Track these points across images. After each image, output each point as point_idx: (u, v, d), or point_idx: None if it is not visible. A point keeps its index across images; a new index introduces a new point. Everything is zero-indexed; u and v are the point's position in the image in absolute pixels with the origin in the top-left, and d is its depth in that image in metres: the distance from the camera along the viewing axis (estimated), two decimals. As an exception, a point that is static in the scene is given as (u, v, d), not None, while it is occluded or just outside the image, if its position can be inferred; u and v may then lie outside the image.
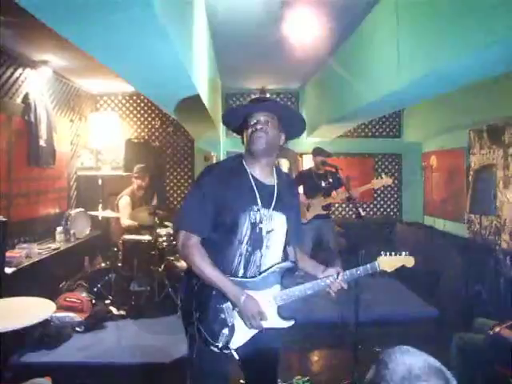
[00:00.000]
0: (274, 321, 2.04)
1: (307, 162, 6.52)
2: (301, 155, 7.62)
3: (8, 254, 3.87)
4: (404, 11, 3.42)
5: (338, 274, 2.12)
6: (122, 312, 4.70)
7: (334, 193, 5.54)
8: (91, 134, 6.45)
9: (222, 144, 7.71)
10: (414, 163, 7.72)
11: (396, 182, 7.80)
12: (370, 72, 4.28)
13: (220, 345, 1.94)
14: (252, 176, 2.06)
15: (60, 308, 4.23)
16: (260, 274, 2.04)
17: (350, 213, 7.75)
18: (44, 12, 2.03)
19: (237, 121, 2.15)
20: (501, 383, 2.77)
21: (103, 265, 5.46)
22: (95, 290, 4.94)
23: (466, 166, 5.96)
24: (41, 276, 4.28)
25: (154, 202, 5.80)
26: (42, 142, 5.00)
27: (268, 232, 2.04)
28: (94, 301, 4.71)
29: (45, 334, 3.85)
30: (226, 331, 1.95)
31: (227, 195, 1.97)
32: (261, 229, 2.02)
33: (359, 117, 5.54)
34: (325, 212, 5.65)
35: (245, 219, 1.99)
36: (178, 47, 2.68)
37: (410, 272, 6.13)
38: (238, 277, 2.00)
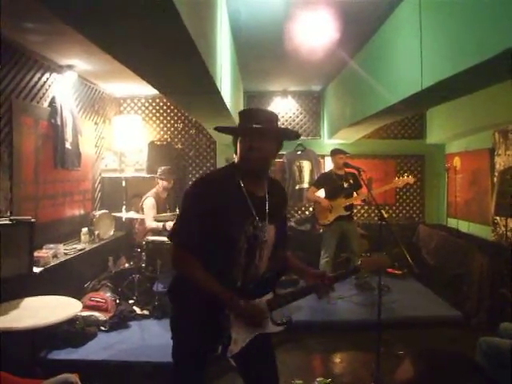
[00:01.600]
0: (268, 327, 2.07)
1: (329, 164, 6.51)
2: (322, 157, 7.60)
3: (36, 254, 3.95)
4: (427, 13, 3.40)
5: (325, 277, 2.16)
6: (146, 312, 4.76)
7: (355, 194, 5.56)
8: (115, 137, 6.55)
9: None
10: (437, 165, 7.63)
11: (419, 183, 7.73)
12: (392, 74, 4.25)
13: (218, 353, 1.94)
14: (246, 189, 2.04)
15: (85, 307, 4.31)
16: (255, 282, 2.08)
17: (373, 215, 7.69)
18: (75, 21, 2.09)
19: (231, 132, 2.16)
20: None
21: (127, 265, 5.54)
22: (119, 289, 5.03)
23: (491, 167, 5.87)
24: (67, 276, 4.38)
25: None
26: (67, 145, 5.10)
27: (262, 243, 2.08)
28: (118, 300, 4.79)
29: (71, 333, 3.94)
30: (222, 340, 1.95)
31: (222, 209, 1.96)
32: (256, 241, 2.05)
33: (381, 119, 5.49)
34: (347, 213, 5.65)
35: (242, 233, 2.00)
36: (204, 54, 2.72)
37: (434, 274, 6.10)
38: (236, 287, 2.02)
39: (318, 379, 3.65)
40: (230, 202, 1.99)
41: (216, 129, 2.16)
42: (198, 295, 1.99)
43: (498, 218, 5.53)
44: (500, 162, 5.65)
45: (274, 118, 2.10)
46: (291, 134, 2.20)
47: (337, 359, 4.27)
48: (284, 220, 2.35)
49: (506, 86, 3.57)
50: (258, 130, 1.98)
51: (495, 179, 5.56)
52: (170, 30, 2.18)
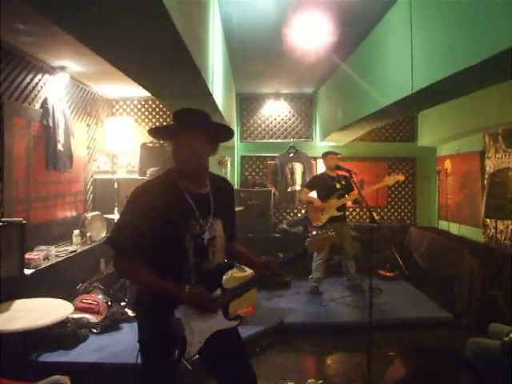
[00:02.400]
0: (222, 323, 2.08)
1: (321, 166, 6.55)
2: (314, 159, 7.63)
3: (27, 255, 3.93)
4: (418, 16, 3.43)
5: (269, 263, 2.18)
6: (137, 314, 4.74)
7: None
8: (107, 138, 6.53)
9: (237, 148, 7.76)
10: (428, 167, 7.70)
11: (410, 185, 7.79)
12: (383, 77, 4.29)
13: (175, 357, 1.93)
14: (185, 189, 2.07)
15: (77, 309, 4.29)
16: (209, 278, 2.08)
17: (364, 217, 7.73)
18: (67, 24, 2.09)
19: (164, 136, 2.26)
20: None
21: (119, 267, 5.51)
22: (111, 292, 5.01)
23: (482, 169, 5.93)
24: (58, 278, 4.35)
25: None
26: (59, 147, 5.08)
27: (210, 239, 2.09)
28: (109, 303, 4.76)
29: (62, 335, 3.92)
30: (177, 344, 1.94)
31: (162, 211, 1.97)
32: (203, 238, 2.06)
33: (373, 122, 5.54)
34: (339, 214, 5.69)
35: (186, 232, 2.01)
36: (196, 56, 2.73)
37: (425, 276, 6.14)
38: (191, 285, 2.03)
39: (309, 381, 3.66)
40: (169, 204, 2.00)
41: (149, 132, 2.22)
42: (146, 304, 2.03)
43: (488, 220, 5.59)
44: (490, 165, 5.71)
45: (201, 115, 2.12)
46: (222, 131, 2.24)
47: (328, 361, 4.29)
48: (232, 213, 2.36)
49: (496, 88, 3.62)
50: (179, 128, 2.03)
51: (485, 182, 5.61)
52: (161, 33, 2.19)
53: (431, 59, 3.22)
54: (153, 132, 2.20)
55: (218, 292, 2.08)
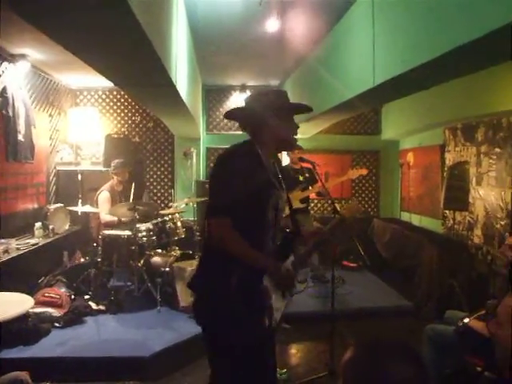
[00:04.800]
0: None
1: (286, 158, 6.60)
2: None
3: (-15, 249, 3.85)
4: (380, 10, 3.49)
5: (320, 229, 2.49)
6: (102, 307, 4.69)
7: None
8: (71, 129, 6.41)
9: (202, 140, 7.74)
10: (391, 160, 7.86)
11: (374, 178, 7.94)
12: (347, 70, 4.35)
13: (266, 325, 2.01)
14: (266, 164, 2.17)
15: (38, 303, 4.22)
16: (284, 248, 2.23)
17: (329, 209, 7.84)
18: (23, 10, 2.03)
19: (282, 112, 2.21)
20: (469, 372, 2.87)
21: (82, 260, 5.45)
22: (74, 285, 4.94)
23: (442, 162, 6.10)
24: (19, 271, 4.27)
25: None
26: (20, 137, 4.96)
27: (280, 211, 2.22)
28: (73, 296, 4.71)
29: (22, 330, 3.83)
30: (268, 311, 2.03)
31: (255, 185, 2.03)
32: (278, 210, 2.18)
33: (337, 114, 5.61)
34: (302, 206, 5.75)
35: (268, 205, 2.11)
36: (157, 45, 2.71)
37: (387, 266, 6.27)
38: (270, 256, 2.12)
39: (273, 370, 3.71)
40: (258, 177, 2.07)
41: (284, 106, 2.23)
42: (229, 276, 1.98)
43: (447, 211, 5.76)
44: (450, 158, 5.88)
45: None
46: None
47: (292, 350, 4.36)
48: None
49: (455, 83, 3.72)
50: (299, 107, 2.29)
51: (445, 174, 5.77)
52: (120, 20, 2.15)
53: (392, 53, 3.29)
54: (285, 103, 2.25)
55: (290, 261, 2.18)
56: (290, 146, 2.33)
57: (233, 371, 2.01)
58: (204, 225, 2.10)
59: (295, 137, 2.24)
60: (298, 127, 2.24)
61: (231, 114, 2.30)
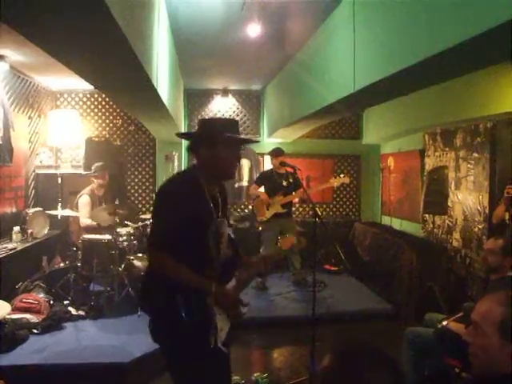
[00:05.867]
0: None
1: (268, 162, 6.62)
2: (262, 155, 7.69)
3: (-39, 254, 3.77)
4: (361, 16, 3.52)
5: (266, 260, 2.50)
6: (82, 312, 4.62)
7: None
8: (51, 132, 6.33)
9: (184, 143, 7.70)
10: (372, 164, 7.94)
11: (355, 182, 8.00)
12: (328, 75, 4.38)
13: (212, 344, 2.06)
14: (207, 191, 2.20)
15: (16, 310, 4.15)
16: (226, 271, 2.25)
17: (311, 213, 7.87)
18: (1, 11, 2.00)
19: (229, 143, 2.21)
20: (447, 373, 2.91)
21: (62, 265, 5.37)
22: (53, 290, 4.87)
23: (421, 167, 6.18)
24: (-4, 277, 4.19)
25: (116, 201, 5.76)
26: (-3, 140, 4.88)
27: (221, 236, 2.27)
28: (52, 301, 4.62)
29: (-2, 337, 3.76)
30: (213, 331, 2.06)
31: (195, 213, 2.10)
32: (218, 236, 2.23)
33: (318, 119, 5.64)
34: (284, 210, 5.77)
35: (209, 230, 2.16)
36: (137, 49, 2.69)
37: (368, 270, 6.31)
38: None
39: (255, 374, 3.70)
40: (199, 205, 2.14)
41: (229, 138, 2.20)
42: (177, 296, 2.05)
43: (426, 215, 5.84)
44: (429, 163, 5.97)
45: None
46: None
47: (274, 354, 4.36)
48: (228, 212, 2.58)
49: (435, 89, 3.78)
50: (246, 141, 2.37)
51: (424, 179, 5.85)
52: (99, 24, 2.13)
53: (372, 59, 3.33)
54: (231, 137, 2.21)
55: (232, 284, 2.22)
56: (227, 177, 2.32)
57: None
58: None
59: (234, 168, 2.27)
60: (240, 158, 2.30)
61: (183, 136, 2.48)
